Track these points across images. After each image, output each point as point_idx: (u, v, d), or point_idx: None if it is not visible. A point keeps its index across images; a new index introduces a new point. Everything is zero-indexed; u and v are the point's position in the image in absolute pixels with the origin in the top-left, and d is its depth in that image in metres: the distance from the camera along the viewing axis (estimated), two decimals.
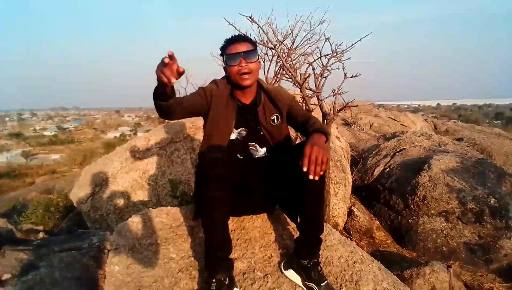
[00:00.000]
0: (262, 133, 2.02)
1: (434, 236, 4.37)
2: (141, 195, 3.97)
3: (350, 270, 1.85)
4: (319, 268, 1.73)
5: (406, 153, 6.06)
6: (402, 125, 14.09)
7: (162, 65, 1.35)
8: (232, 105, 1.99)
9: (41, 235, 3.31)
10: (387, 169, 5.78)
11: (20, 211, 9.16)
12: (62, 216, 5.94)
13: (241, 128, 2.02)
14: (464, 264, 4.04)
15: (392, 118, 14.64)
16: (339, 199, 4.16)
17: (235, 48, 1.88)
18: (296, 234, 1.93)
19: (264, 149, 2.03)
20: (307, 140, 1.64)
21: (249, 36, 2.03)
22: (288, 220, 2.12)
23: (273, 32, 4.27)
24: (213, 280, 1.57)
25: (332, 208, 4.03)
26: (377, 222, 5.06)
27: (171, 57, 1.34)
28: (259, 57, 1.98)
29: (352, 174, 5.53)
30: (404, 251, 4.43)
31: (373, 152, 6.73)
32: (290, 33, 4.78)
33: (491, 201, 4.34)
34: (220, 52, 1.98)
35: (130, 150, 4.28)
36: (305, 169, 1.51)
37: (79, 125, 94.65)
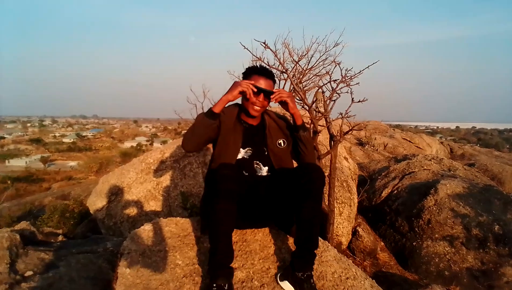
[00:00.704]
0: (266, 153, 2.23)
1: (437, 260, 4.43)
2: (153, 205, 4.17)
3: (342, 285, 1.99)
4: (312, 281, 1.87)
5: (414, 176, 6.14)
6: (417, 147, 14.01)
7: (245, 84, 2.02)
8: (239, 128, 2.22)
9: (60, 238, 3.54)
10: (395, 191, 5.87)
11: (36, 215, 9.44)
12: (77, 222, 6.17)
13: (247, 148, 2.23)
14: (465, 289, 4.09)
15: (407, 140, 14.59)
16: (344, 219, 4.28)
17: (261, 82, 2.13)
18: (294, 248, 2.09)
19: (267, 167, 2.23)
20: None
21: (273, 73, 2.27)
22: (287, 235, 2.29)
23: (289, 53, 4.46)
24: (214, 285, 1.73)
25: (336, 227, 4.15)
26: (382, 243, 5.14)
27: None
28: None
29: (359, 194, 5.64)
30: (407, 273, 4.50)
31: (382, 173, 6.83)
32: (305, 54, 4.96)
33: (496, 228, 4.39)
34: (244, 74, 2.22)
35: (146, 162, 4.50)
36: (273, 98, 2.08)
37: (97, 133, 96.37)
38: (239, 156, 2.20)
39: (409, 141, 14.46)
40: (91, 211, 4.46)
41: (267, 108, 2.27)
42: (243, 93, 2.09)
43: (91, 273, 1.98)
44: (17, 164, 50.95)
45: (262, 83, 2.11)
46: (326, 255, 2.17)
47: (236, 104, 2.29)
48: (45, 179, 39.54)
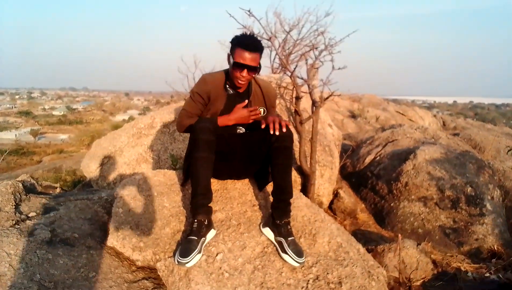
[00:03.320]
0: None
1: (412, 219, 4.74)
2: (145, 167, 4.38)
3: (311, 226, 2.25)
4: (289, 227, 2.11)
5: (397, 144, 6.41)
6: (410, 120, 14.14)
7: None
8: (222, 94, 2.31)
9: (58, 190, 3.77)
10: (377, 158, 6.14)
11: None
12: (70, 189, 6.39)
13: None
14: (437, 245, 4.40)
15: (400, 113, 14.77)
16: (325, 180, 4.53)
17: (244, 56, 2.11)
18: (268, 195, 2.34)
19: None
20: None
21: (260, 45, 2.20)
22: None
23: (280, 23, 4.56)
24: (195, 221, 1.97)
25: (318, 188, 4.40)
26: (362, 205, 5.44)
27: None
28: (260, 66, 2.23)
29: (342, 160, 5.88)
30: (383, 231, 4.81)
31: (368, 141, 7.09)
32: (297, 24, 5.07)
33: (468, 190, 4.67)
34: (232, 43, 2.20)
35: (137, 127, 4.69)
36: (271, 131, 2.00)
37: (88, 106, 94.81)
38: None
39: (402, 114, 14.65)
40: (85, 174, 4.67)
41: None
42: (234, 66, 2.15)
43: (87, 215, 2.21)
44: (7, 137, 50.25)
45: (247, 57, 2.10)
46: (298, 201, 2.43)
47: (224, 70, 2.35)
48: (36, 152, 39.18)
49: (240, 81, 2.20)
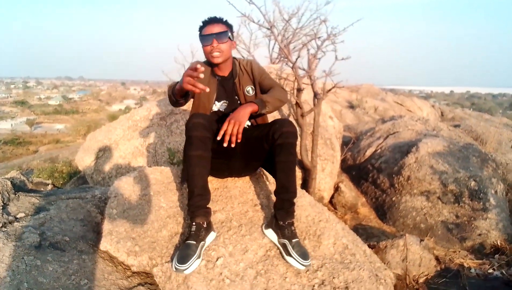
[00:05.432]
0: (239, 102, 2.28)
1: (414, 214, 4.65)
2: (141, 161, 4.25)
3: (315, 227, 2.14)
4: (293, 228, 1.99)
5: (398, 136, 6.29)
6: (408, 110, 14.03)
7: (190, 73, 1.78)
8: (213, 81, 2.25)
9: (49, 187, 3.64)
10: (378, 151, 6.03)
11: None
12: (66, 181, 6.27)
13: (223, 101, 2.28)
14: (439, 240, 4.32)
15: (398, 103, 14.65)
16: (326, 175, 4.43)
17: (209, 29, 2.11)
18: (270, 193, 2.22)
19: None
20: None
21: (223, 18, 2.19)
22: (266, 182, 2.43)
23: (279, 11, 4.40)
24: (193, 223, 1.85)
25: (319, 182, 4.30)
26: (363, 199, 5.35)
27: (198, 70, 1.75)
28: (232, 38, 2.20)
29: (342, 152, 5.78)
30: (385, 226, 4.72)
31: (368, 133, 6.98)
32: (296, 13, 4.90)
33: (471, 184, 4.58)
34: (198, 33, 2.19)
35: (133, 119, 4.56)
36: (219, 138, 1.91)
37: (84, 95, 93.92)
38: (215, 108, 2.27)
39: (400, 105, 14.53)
40: (79, 168, 4.55)
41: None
42: (203, 41, 2.12)
43: (80, 215, 2.09)
44: (2, 126, 49.91)
45: (211, 29, 2.09)
46: (302, 200, 2.31)
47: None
48: (32, 142, 39.03)
49: (214, 54, 2.12)
